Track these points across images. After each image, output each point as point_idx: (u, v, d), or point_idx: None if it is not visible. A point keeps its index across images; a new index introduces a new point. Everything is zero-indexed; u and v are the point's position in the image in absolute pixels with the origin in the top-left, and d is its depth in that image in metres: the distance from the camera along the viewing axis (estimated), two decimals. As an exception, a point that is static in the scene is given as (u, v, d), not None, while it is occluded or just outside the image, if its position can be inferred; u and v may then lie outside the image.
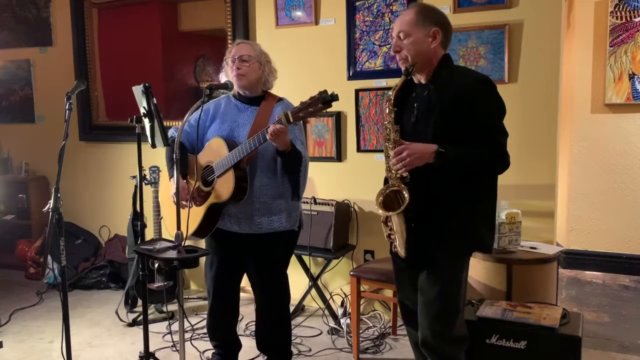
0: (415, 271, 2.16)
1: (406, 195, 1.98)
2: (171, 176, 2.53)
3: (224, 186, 2.42)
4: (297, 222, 2.58)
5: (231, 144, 2.42)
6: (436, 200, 2.04)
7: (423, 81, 2.11)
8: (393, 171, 2.02)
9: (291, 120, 2.19)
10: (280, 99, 2.57)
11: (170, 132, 2.62)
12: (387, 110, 2.06)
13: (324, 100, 2.13)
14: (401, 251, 2.09)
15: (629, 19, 4.22)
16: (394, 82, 2.14)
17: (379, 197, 2.04)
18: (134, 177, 2.80)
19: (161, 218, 3.46)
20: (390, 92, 2.07)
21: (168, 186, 2.69)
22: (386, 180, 2.10)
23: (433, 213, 2.05)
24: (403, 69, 2.07)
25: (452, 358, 2.14)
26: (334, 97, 2.14)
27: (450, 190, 2.03)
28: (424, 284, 2.11)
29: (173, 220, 2.46)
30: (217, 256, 2.63)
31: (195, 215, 2.52)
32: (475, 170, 2.03)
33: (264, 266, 2.59)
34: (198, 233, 2.56)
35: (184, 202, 2.47)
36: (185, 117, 2.35)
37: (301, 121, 2.54)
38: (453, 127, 1.98)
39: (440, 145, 1.95)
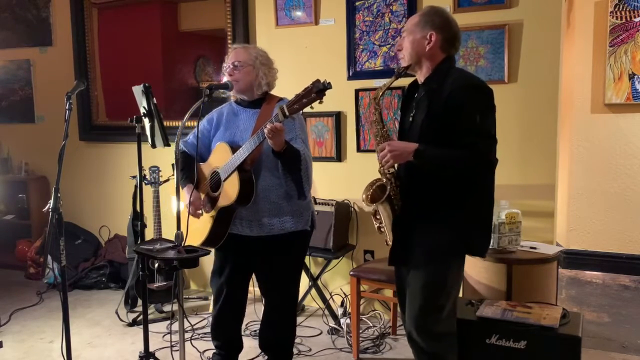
0: (405, 265, 2.21)
1: (386, 183, 2.10)
2: (183, 186, 2.54)
3: (230, 189, 2.42)
4: (309, 222, 2.56)
5: (235, 148, 2.42)
6: (425, 198, 2.09)
7: (421, 82, 2.18)
8: (381, 167, 2.12)
9: (287, 114, 2.19)
10: (281, 99, 2.57)
11: (181, 145, 2.64)
12: (373, 110, 2.18)
13: (317, 89, 2.13)
14: (390, 243, 2.17)
15: (629, 19, 4.22)
16: (382, 84, 2.22)
17: (366, 192, 2.15)
18: (134, 177, 2.80)
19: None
20: (378, 90, 2.20)
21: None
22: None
23: (421, 210, 2.10)
24: (401, 67, 2.18)
25: (437, 354, 2.16)
26: (327, 86, 2.14)
27: (441, 189, 2.07)
28: (410, 278, 2.18)
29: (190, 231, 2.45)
30: (230, 261, 2.61)
31: (205, 223, 2.51)
32: (453, 172, 2.05)
33: (277, 268, 2.56)
34: (209, 242, 2.51)
35: (199, 212, 2.50)
36: (185, 117, 2.34)
37: (303, 119, 2.56)
38: (439, 129, 2.03)
39: (421, 144, 2.00)
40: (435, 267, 2.11)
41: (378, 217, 2.18)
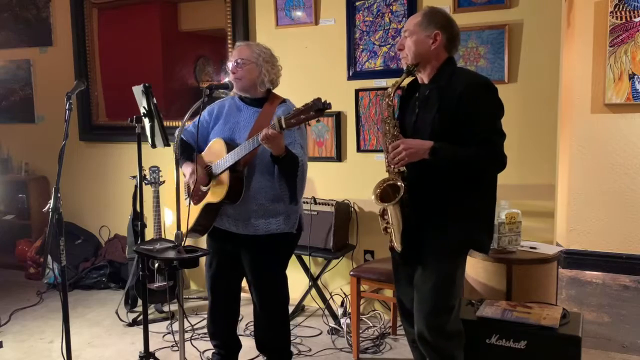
0: (410, 267, 2.19)
1: (400, 184, 2.04)
2: (182, 165, 2.55)
3: (220, 187, 2.43)
4: (295, 225, 2.56)
5: (231, 145, 2.42)
6: (433, 197, 2.09)
7: (425, 81, 2.17)
8: (391, 166, 2.08)
9: (284, 126, 2.19)
10: (284, 101, 2.56)
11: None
12: (386, 106, 2.14)
13: (317, 108, 2.14)
14: (397, 245, 2.14)
15: (629, 19, 4.22)
16: (394, 82, 2.19)
17: (376, 189, 2.10)
18: (134, 177, 2.80)
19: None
20: (389, 88, 2.15)
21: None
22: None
23: (429, 209, 2.09)
24: (405, 67, 2.15)
25: (448, 354, 2.16)
26: (327, 106, 2.14)
27: (448, 188, 2.07)
28: (418, 280, 2.16)
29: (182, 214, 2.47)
30: (216, 256, 2.64)
31: (192, 213, 2.53)
32: (469, 169, 2.06)
33: (260, 268, 2.58)
34: (195, 231, 2.56)
35: (203, 188, 2.51)
36: (185, 117, 2.35)
37: (303, 125, 2.56)
38: (450, 127, 2.03)
39: (436, 142, 2.00)
40: (445, 267, 2.11)
41: (386, 217, 2.15)
